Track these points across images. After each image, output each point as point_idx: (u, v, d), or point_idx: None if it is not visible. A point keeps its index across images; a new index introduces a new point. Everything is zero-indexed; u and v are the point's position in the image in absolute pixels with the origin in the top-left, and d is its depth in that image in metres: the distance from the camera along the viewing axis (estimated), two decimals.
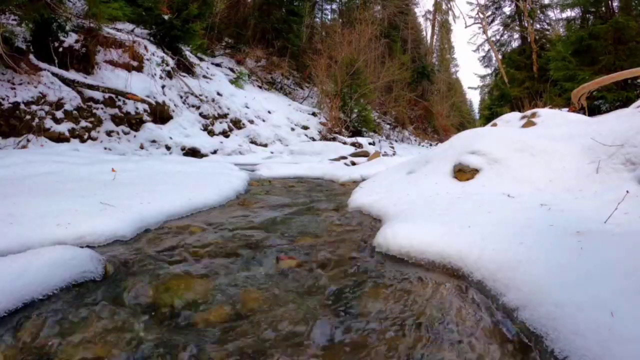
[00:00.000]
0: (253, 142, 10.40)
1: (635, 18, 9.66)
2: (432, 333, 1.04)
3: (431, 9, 28.91)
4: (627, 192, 1.73)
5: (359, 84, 14.66)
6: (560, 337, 0.90)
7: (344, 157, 8.38)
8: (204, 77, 11.06)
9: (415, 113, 23.31)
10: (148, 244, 1.79)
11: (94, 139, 6.62)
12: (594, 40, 9.83)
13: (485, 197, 2.25)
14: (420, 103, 23.34)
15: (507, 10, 20.37)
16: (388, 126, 20.26)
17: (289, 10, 17.06)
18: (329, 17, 24.87)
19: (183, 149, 7.86)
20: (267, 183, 4.62)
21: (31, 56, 6.03)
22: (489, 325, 1.08)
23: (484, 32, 20.95)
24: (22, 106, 5.57)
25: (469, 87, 61.00)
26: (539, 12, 18.50)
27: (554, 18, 18.18)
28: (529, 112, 5.28)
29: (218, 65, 14.16)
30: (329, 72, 15.08)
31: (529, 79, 16.23)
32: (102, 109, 6.91)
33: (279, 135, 11.65)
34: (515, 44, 19.98)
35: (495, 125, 5.65)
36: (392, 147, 14.90)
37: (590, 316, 0.90)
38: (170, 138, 7.77)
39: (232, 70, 14.54)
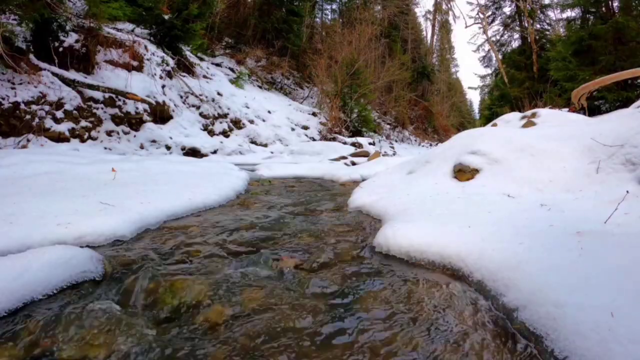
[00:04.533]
0: (253, 142, 10.40)
1: (636, 18, 9.65)
2: (432, 333, 1.04)
3: (431, 9, 28.96)
4: (627, 192, 1.73)
5: (359, 84, 14.66)
6: (560, 337, 0.90)
7: (344, 157, 8.38)
8: (204, 77, 11.05)
9: (415, 113, 23.34)
10: (148, 243, 1.78)
11: (94, 139, 6.62)
12: (594, 40, 9.83)
13: (486, 197, 2.25)
14: (420, 103, 23.37)
15: (507, 10, 20.43)
16: (388, 126, 20.26)
17: (289, 10, 17.06)
18: (329, 17, 24.89)
19: (183, 148, 7.86)
20: (267, 183, 4.62)
21: (31, 56, 6.02)
22: (488, 325, 1.08)
23: (484, 32, 20.97)
24: (22, 106, 5.57)
25: (469, 87, 61.11)
26: (539, 12, 18.52)
27: (554, 18, 18.23)
28: (529, 112, 5.29)
29: (218, 65, 14.15)
30: (329, 72, 15.08)
31: (529, 79, 16.25)
32: (102, 108, 6.90)
33: (279, 135, 11.65)
34: (515, 44, 20.04)
35: (495, 125, 5.65)
36: (392, 147, 14.92)
37: (591, 316, 0.90)
38: (170, 138, 7.77)
39: (232, 70, 14.53)
